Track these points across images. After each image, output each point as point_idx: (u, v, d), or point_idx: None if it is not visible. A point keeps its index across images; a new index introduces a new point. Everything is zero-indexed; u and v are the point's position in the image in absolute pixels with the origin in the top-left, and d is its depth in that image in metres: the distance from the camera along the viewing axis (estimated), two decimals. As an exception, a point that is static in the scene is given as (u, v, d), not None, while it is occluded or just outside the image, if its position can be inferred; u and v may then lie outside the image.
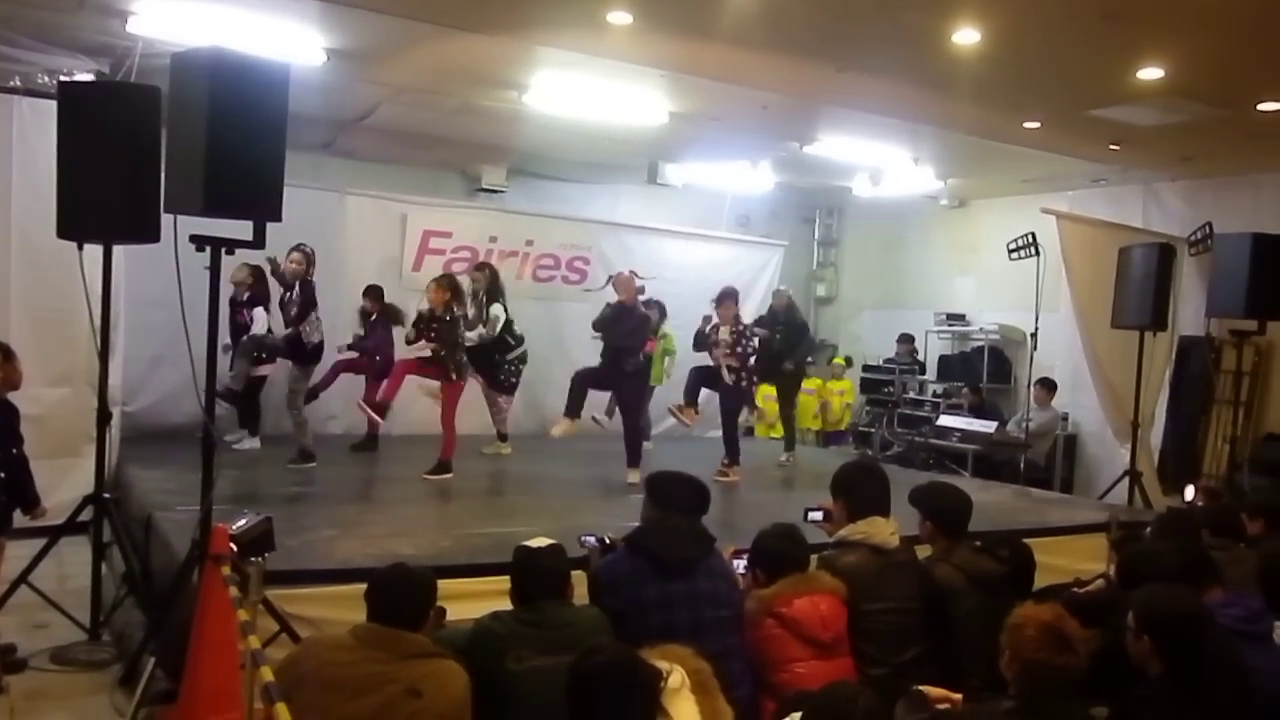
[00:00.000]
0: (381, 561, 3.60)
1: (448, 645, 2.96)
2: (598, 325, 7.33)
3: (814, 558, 3.80)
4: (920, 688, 3.06)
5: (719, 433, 7.97)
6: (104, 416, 5.02)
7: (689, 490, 3.80)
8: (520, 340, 7.94)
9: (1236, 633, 3.24)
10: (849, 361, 12.42)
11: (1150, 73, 6.45)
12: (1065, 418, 10.33)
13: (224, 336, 7.17)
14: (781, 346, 8.80)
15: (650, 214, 11.17)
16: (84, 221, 4.73)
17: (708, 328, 7.90)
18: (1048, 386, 9.98)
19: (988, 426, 10.02)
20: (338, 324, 7.89)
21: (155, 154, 4.61)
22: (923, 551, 4.02)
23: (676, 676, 2.69)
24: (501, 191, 10.63)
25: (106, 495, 5.09)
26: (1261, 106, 7.07)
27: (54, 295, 6.19)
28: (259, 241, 4.19)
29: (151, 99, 4.80)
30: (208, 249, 4.13)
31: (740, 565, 3.83)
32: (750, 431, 10.32)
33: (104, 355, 4.98)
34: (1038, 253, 9.04)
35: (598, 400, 7.83)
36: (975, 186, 11.34)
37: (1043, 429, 9.90)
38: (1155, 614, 2.95)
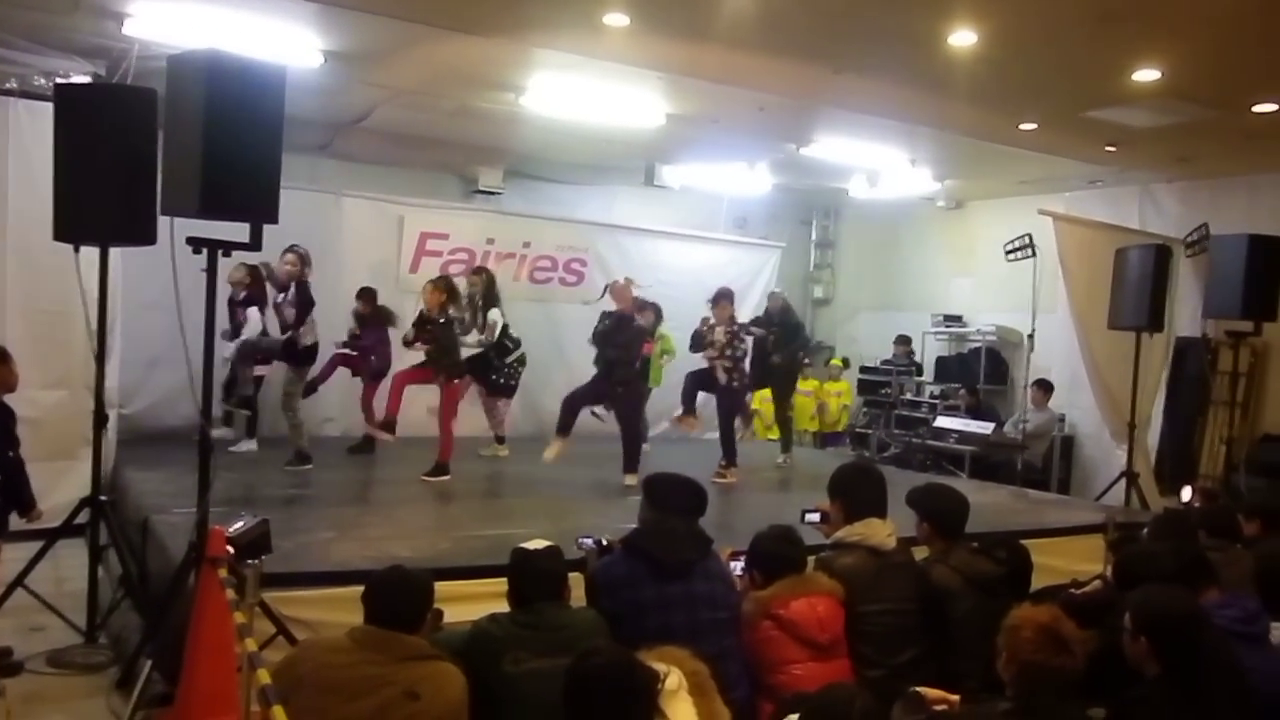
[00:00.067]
0: (379, 564, 3.60)
1: (445, 647, 2.95)
2: (596, 339, 7.30)
3: (811, 559, 3.79)
4: (917, 689, 3.07)
5: (716, 434, 7.97)
6: (100, 419, 5.01)
7: (687, 492, 3.80)
8: (518, 343, 7.95)
9: (1233, 634, 3.24)
10: (846, 363, 12.43)
11: (1146, 74, 6.46)
12: (1062, 419, 10.33)
13: (226, 349, 7.19)
14: (776, 348, 8.80)
15: (647, 216, 11.18)
16: (80, 224, 4.74)
17: (705, 328, 7.91)
18: (1045, 388, 9.99)
19: (985, 428, 10.04)
20: (334, 325, 7.88)
21: (152, 156, 4.61)
22: (920, 553, 4.02)
23: (674, 678, 2.69)
24: (498, 193, 10.63)
25: (103, 498, 5.10)
26: (1257, 108, 7.09)
27: (50, 297, 6.20)
28: (256, 244, 4.18)
29: (148, 101, 4.79)
30: (204, 251, 4.12)
31: (737, 567, 3.83)
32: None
33: (100, 358, 4.97)
34: (1034, 254, 9.06)
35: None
36: (972, 188, 11.36)
37: (1040, 430, 9.91)
38: (1152, 615, 2.96)
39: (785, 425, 9.29)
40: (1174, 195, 9.86)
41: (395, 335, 7.74)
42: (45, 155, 4.86)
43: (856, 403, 12.34)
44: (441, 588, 3.16)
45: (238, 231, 4.14)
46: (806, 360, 10.29)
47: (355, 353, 7.89)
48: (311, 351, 7.35)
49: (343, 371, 7.97)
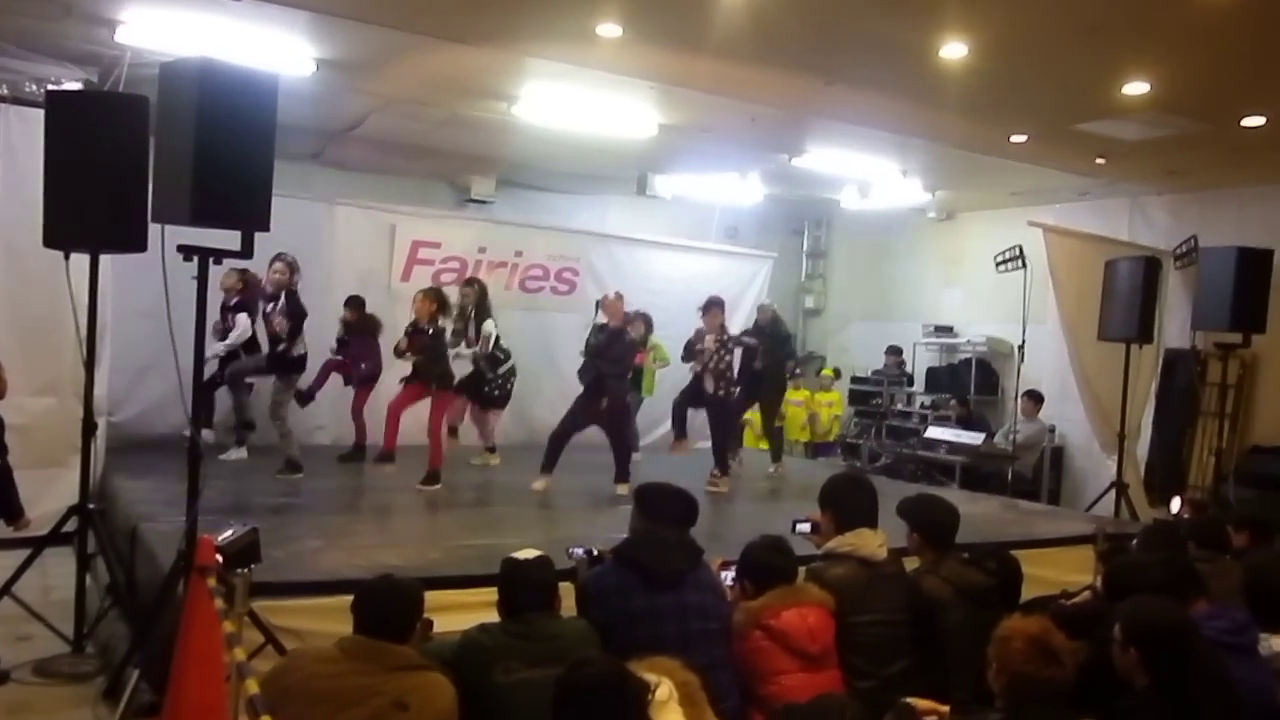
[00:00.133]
0: (368, 573, 3.58)
1: (435, 657, 2.94)
2: (588, 353, 7.30)
3: (802, 570, 3.79)
4: (908, 700, 3.06)
5: (708, 444, 7.97)
6: (89, 427, 4.97)
7: (678, 502, 3.79)
8: (509, 355, 7.98)
9: (1222, 645, 3.25)
10: (837, 373, 12.43)
11: (1136, 87, 6.50)
12: (1052, 430, 10.37)
13: (215, 347, 7.16)
14: (762, 358, 8.77)
15: (639, 225, 11.18)
16: (71, 231, 4.71)
17: (697, 338, 7.91)
18: (1035, 398, 10.02)
19: (975, 438, 10.06)
20: (325, 334, 7.87)
21: (143, 163, 4.60)
22: (910, 563, 4.02)
23: (664, 689, 2.68)
24: (490, 202, 10.64)
25: (91, 506, 5.05)
26: (1245, 121, 7.14)
27: (40, 305, 6.16)
28: (247, 251, 4.18)
29: (139, 108, 4.78)
30: (195, 259, 4.11)
31: (728, 577, 3.82)
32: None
33: (90, 365, 4.95)
34: (1025, 265, 9.09)
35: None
36: (963, 199, 11.40)
37: (1030, 441, 9.94)
38: (1141, 626, 2.96)
39: (775, 435, 9.29)
40: (1163, 207, 9.91)
41: (384, 343, 7.75)
42: (36, 162, 4.85)
43: (847, 413, 12.35)
44: (431, 597, 3.15)
45: (229, 239, 4.13)
46: (798, 370, 10.28)
47: (344, 359, 7.89)
48: (301, 362, 7.33)
49: (334, 380, 7.95)
